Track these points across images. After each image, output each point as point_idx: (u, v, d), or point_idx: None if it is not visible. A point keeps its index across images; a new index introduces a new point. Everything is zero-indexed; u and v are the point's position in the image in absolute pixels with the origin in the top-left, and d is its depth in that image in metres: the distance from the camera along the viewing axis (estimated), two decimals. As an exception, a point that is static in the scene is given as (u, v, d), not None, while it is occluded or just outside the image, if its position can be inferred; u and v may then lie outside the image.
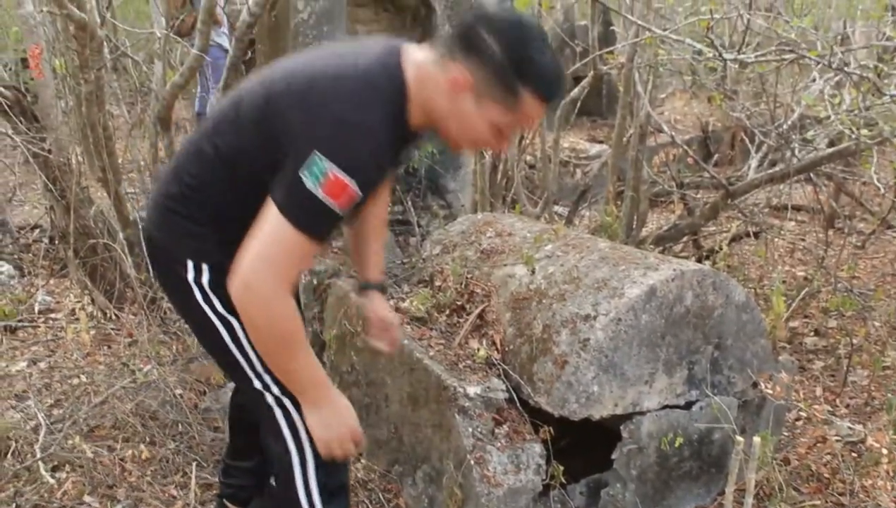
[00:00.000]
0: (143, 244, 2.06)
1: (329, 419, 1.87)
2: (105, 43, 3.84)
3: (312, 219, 1.69)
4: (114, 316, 4.08)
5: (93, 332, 3.92)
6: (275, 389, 1.94)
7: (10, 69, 6.52)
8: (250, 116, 1.80)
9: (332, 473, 2.03)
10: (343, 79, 1.72)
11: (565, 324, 2.47)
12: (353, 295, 2.85)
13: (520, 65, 1.68)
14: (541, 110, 1.74)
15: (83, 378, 3.50)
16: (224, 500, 2.54)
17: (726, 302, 2.63)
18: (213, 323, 1.94)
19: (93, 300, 4.26)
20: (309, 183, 1.63)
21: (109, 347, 3.90)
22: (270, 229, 1.70)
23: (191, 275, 1.92)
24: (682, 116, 8.35)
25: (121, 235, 4.03)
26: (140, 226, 4.14)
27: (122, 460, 2.93)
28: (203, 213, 1.92)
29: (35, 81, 4.01)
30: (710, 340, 2.63)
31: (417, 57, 1.76)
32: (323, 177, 1.63)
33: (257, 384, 1.96)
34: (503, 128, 1.76)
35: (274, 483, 2.07)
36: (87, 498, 2.75)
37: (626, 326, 2.43)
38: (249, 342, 1.90)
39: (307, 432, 1.94)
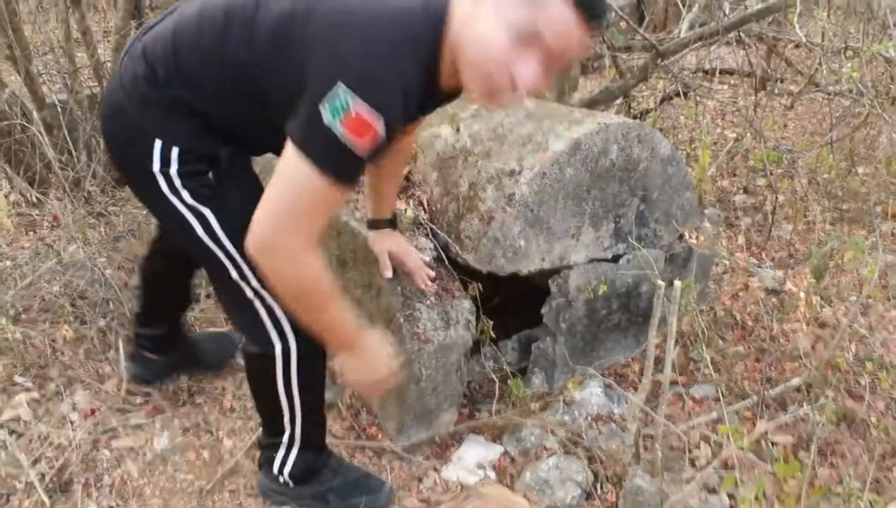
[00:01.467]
0: (102, 124, 1.91)
1: (365, 365, 1.85)
2: None
3: (333, 160, 1.53)
4: (36, 201, 3.98)
5: (16, 218, 3.83)
6: (253, 281, 1.86)
7: None
8: (270, 27, 1.63)
9: (313, 366, 2.03)
10: (383, 15, 1.55)
11: (491, 181, 2.47)
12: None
13: None
14: (573, 20, 1.48)
15: (7, 263, 3.43)
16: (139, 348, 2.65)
17: (652, 155, 2.64)
18: (183, 216, 1.84)
19: (12, 185, 4.14)
20: (327, 116, 1.48)
21: (35, 232, 3.81)
22: (289, 178, 1.56)
23: (156, 165, 1.79)
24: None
25: (36, 116, 3.89)
26: (59, 107, 4.01)
27: (52, 340, 2.90)
28: (191, 102, 1.76)
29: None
30: (636, 193, 2.66)
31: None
32: (344, 112, 1.47)
33: (234, 274, 1.87)
34: (529, 37, 1.49)
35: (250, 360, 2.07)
36: (18, 379, 2.73)
37: (551, 180, 2.43)
38: (225, 231, 1.83)
39: (290, 322, 1.90)
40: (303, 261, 1.61)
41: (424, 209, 2.60)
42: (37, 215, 3.96)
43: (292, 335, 1.93)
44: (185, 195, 1.82)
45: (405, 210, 2.57)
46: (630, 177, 2.62)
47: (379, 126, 1.49)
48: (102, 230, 3.63)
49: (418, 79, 1.54)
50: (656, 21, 6.92)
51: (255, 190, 1.74)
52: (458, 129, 2.66)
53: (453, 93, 1.77)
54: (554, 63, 1.54)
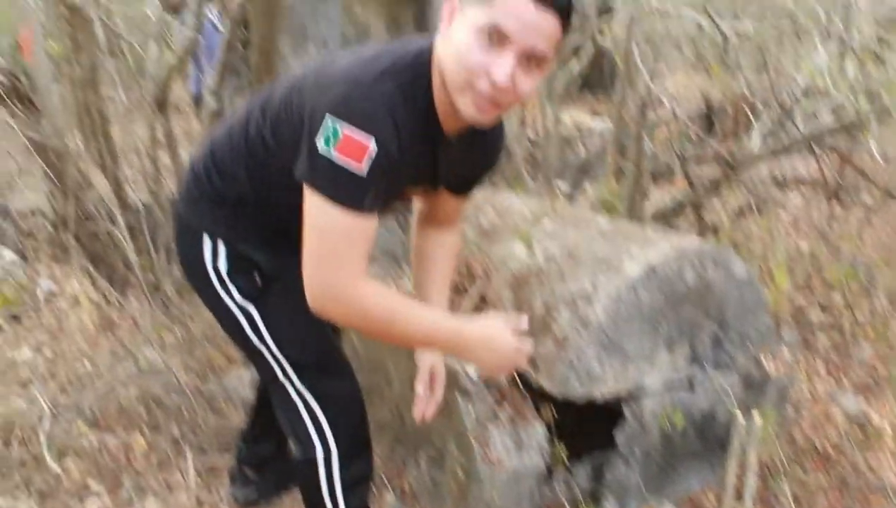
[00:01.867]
0: (172, 222, 2.09)
1: (484, 356, 1.80)
2: (99, 26, 3.83)
3: (338, 188, 1.56)
4: (117, 302, 4.10)
5: (96, 318, 3.94)
6: (297, 383, 1.93)
7: (6, 52, 6.50)
8: (280, 96, 1.75)
9: (355, 467, 2.03)
10: (368, 56, 1.64)
11: (565, 303, 2.47)
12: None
13: None
14: (526, 7, 1.46)
15: (87, 364, 3.52)
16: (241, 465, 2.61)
17: (727, 277, 2.62)
18: (232, 312, 1.94)
19: (95, 285, 4.27)
20: (322, 147, 1.53)
21: (113, 333, 3.91)
22: (313, 224, 1.61)
23: (209, 262, 1.91)
24: (684, 89, 8.30)
25: (121, 220, 4.03)
26: (143, 210, 4.16)
27: (126, 446, 2.95)
28: (228, 194, 1.90)
29: (30, 66, 4.00)
30: (712, 316, 2.63)
31: None
32: (335, 139, 1.52)
33: (280, 374, 1.95)
34: (485, 33, 1.48)
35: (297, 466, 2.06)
36: (91, 484, 2.78)
37: (627, 304, 2.42)
38: (269, 330, 1.91)
39: (331, 426, 1.94)
40: (359, 296, 1.64)
41: (498, 329, 2.60)
42: (116, 316, 4.07)
43: (332, 439, 1.96)
44: (234, 292, 1.92)
45: (479, 329, 2.57)
46: (705, 301, 2.59)
47: (370, 144, 1.52)
48: (178, 334, 3.71)
49: (404, 106, 1.58)
50: (725, 129, 6.93)
51: (297, 293, 1.72)
52: (531, 248, 2.67)
53: (463, 139, 1.78)
54: (529, 58, 1.52)
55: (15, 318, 4.21)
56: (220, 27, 6.44)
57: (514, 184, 4.32)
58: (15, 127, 4.10)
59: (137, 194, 4.40)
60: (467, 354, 1.80)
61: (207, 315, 3.81)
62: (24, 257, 5.17)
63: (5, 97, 4.13)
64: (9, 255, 5.13)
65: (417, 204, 2.20)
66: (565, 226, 2.77)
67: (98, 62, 3.83)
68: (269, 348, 1.92)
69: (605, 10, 6.29)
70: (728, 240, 4.11)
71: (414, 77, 1.62)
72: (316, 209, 1.59)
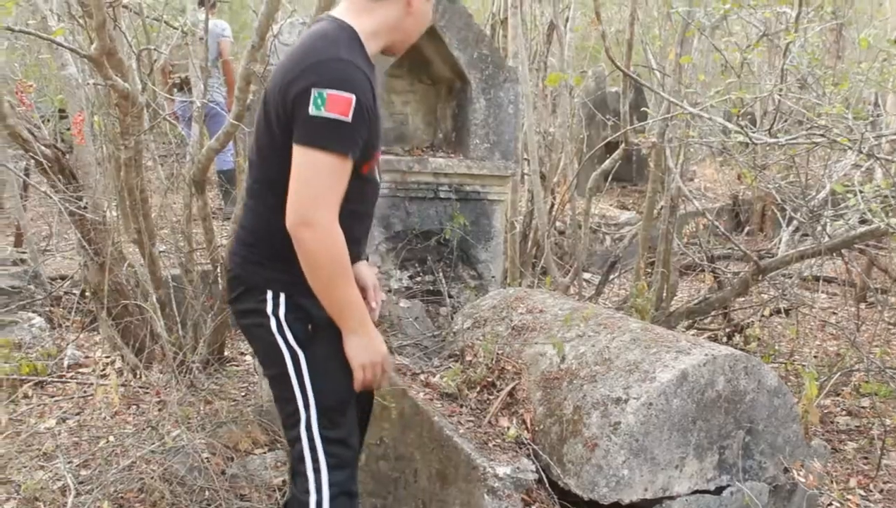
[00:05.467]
0: (227, 282, 2.34)
1: (366, 344, 2.12)
2: (145, 110, 3.96)
3: (332, 139, 1.95)
4: (142, 375, 4.14)
5: (121, 390, 3.97)
6: (315, 435, 2.15)
7: (48, 121, 6.69)
8: (266, 131, 2.10)
9: None
10: (312, 47, 2.05)
11: (596, 406, 2.49)
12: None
13: None
14: None
15: (111, 439, 3.54)
16: None
17: (758, 386, 2.64)
18: (281, 352, 2.16)
19: (122, 358, 4.32)
20: (314, 111, 1.93)
21: (138, 406, 3.94)
22: (304, 169, 1.97)
23: (269, 306, 2.15)
24: (712, 184, 8.39)
25: (153, 296, 4.10)
26: (173, 287, 4.23)
27: (148, 527, 2.96)
28: (269, 253, 2.16)
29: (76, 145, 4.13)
30: (742, 425, 2.64)
31: (349, 13, 2.14)
32: (323, 101, 1.93)
33: (302, 421, 2.16)
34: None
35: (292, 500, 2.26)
36: (112, 565, 2.78)
37: (658, 410, 2.44)
38: (310, 377, 2.15)
39: (330, 489, 2.16)
40: (330, 233, 1.99)
41: (527, 428, 2.62)
42: (141, 388, 4.11)
43: (328, 498, 2.16)
44: (289, 335, 2.15)
45: (508, 427, 2.60)
46: (736, 409, 2.61)
47: (353, 98, 1.94)
48: (203, 412, 3.73)
49: (358, 57, 2.03)
50: (752, 225, 6.99)
51: (338, 342, 2.13)
52: (562, 355, 2.70)
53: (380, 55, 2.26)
54: None
55: (40, 386, 4.25)
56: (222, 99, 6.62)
57: (543, 276, 4.38)
58: (55, 198, 4.20)
59: (169, 270, 4.48)
60: (353, 335, 2.11)
61: (234, 394, 3.88)
62: (51, 323, 5.24)
63: (48, 169, 4.25)
64: (37, 321, 5.20)
65: None
66: (598, 328, 2.80)
67: (143, 144, 3.94)
68: (305, 393, 2.16)
69: (638, 109, 6.44)
70: (755, 341, 4.12)
71: (355, 48, 2.07)
72: (306, 159, 1.96)
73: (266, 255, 2.18)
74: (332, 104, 1.93)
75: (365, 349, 2.13)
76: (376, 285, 2.50)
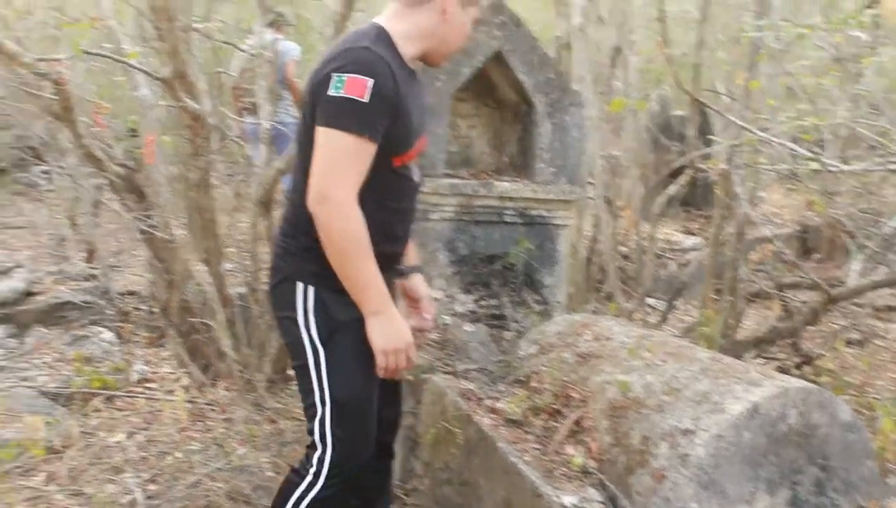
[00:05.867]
0: (269, 272, 2.41)
1: (387, 328, 2.16)
2: (214, 131, 4.04)
3: (349, 118, 2.04)
4: (209, 393, 4.20)
5: (188, 407, 4.04)
6: (328, 429, 2.24)
7: (120, 141, 6.85)
8: (303, 124, 2.21)
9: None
10: (343, 41, 2.20)
11: (664, 437, 2.46)
12: (449, 394, 2.90)
13: None
14: None
15: (178, 455, 3.60)
16: None
17: (831, 421, 2.58)
18: (304, 346, 2.25)
19: (189, 374, 4.40)
20: (333, 93, 2.03)
21: (204, 423, 4.00)
22: (323, 148, 2.06)
23: (299, 299, 2.23)
24: (778, 209, 8.24)
25: (220, 314, 4.16)
26: (239, 305, 4.29)
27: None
28: (303, 243, 2.24)
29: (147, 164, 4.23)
30: (815, 460, 2.58)
31: (386, 18, 2.25)
32: (342, 83, 2.03)
33: (318, 414, 2.26)
34: (474, 23, 2.37)
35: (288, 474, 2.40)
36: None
37: (728, 443, 2.40)
38: (328, 374, 2.23)
39: (327, 476, 2.25)
40: (348, 211, 2.06)
41: (593, 457, 2.60)
42: (207, 405, 4.17)
43: (322, 480, 2.26)
44: (313, 330, 2.23)
45: (574, 456, 2.58)
46: (808, 443, 2.55)
47: (369, 81, 2.03)
48: (267, 429, 3.78)
49: (383, 50, 2.12)
50: (821, 252, 6.85)
51: (364, 357, 2.20)
52: (629, 382, 2.68)
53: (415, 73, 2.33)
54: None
55: (110, 400, 4.35)
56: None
57: (608, 301, 4.35)
58: (126, 216, 4.31)
59: (235, 289, 4.55)
60: (374, 318, 2.15)
61: (297, 413, 3.91)
62: (120, 338, 5.35)
63: (120, 187, 4.36)
64: (107, 335, 5.32)
65: None
66: (665, 357, 2.77)
67: (212, 165, 4.03)
68: (322, 387, 2.24)
69: (705, 134, 6.37)
70: (825, 372, 4.03)
71: (382, 43, 2.16)
72: (326, 138, 2.05)
73: (300, 245, 2.25)
74: (350, 86, 2.02)
75: (386, 334, 2.16)
76: (429, 296, 2.58)
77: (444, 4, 2.22)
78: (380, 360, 2.18)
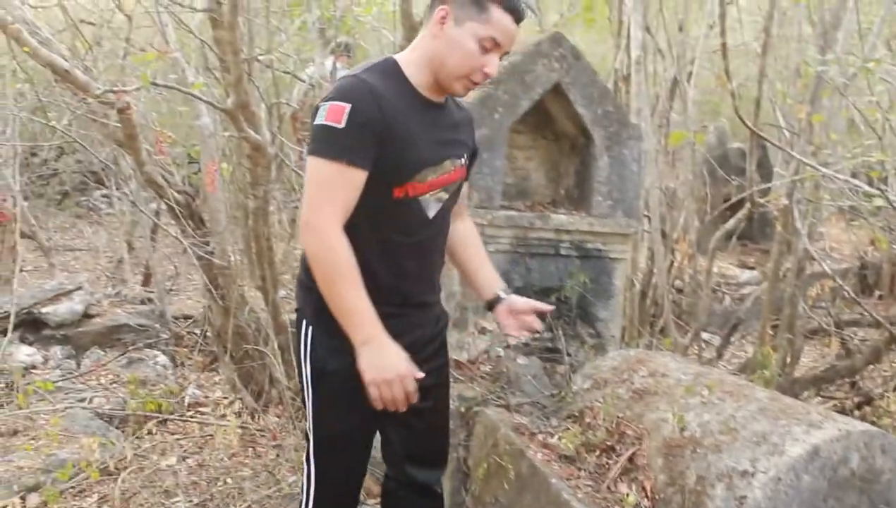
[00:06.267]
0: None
1: (376, 359, 2.07)
2: (274, 160, 4.10)
3: (327, 144, 2.03)
4: (260, 419, 4.24)
5: (239, 432, 4.08)
6: (310, 449, 2.30)
7: (180, 167, 6.99)
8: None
9: None
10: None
11: (721, 478, 2.41)
12: (501, 427, 2.89)
13: None
14: (510, 24, 2.10)
15: (229, 481, 3.64)
16: None
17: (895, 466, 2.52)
18: (302, 377, 2.28)
19: (241, 400, 4.44)
20: (316, 122, 2.05)
21: (254, 449, 4.04)
22: (307, 177, 2.06)
23: (302, 331, 2.25)
24: (838, 244, 8.10)
25: (273, 342, 4.21)
26: (290, 326, 4.33)
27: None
28: (305, 282, 2.24)
29: (208, 192, 4.31)
30: (877, 506, 2.51)
31: (410, 46, 2.24)
32: (324, 111, 2.03)
33: (306, 447, 2.32)
34: (485, 42, 2.09)
35: None
36: None
37: (787, 486, 2.35)
38: (313, 417, 2.26)
39: (315, 502, 2.31)
40: (330, 238, 2.02)
41: (647, 496, 2.56)
42: (257, 431, 4.20)
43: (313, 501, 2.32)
44: (306, 368, 2.26)
45: (627, 494, 2.55)
46: (871, 489, 2.49)
47: (347, 106, 2.01)
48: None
49: (382, 82, 2.10)
50: (882, 288, 6.71)
51: (347, 406, 2.21)
52: (685, 420, 2.64)
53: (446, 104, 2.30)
54: (503, 55, 2.17)
55: (163, 423, 4.40)
56: None
57: (662, 335, 4.30)
58: (185, 242, 4.38)
59: (289, 316, 4.60)
60: (363, 348, 2.07)
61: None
62: (174, 361, 5.43)
63: (179, 214, 4.44)
64: (161, 359, 5.41)
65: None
66: (723, 396, 2.73)
67: (271, 194, 4.09)
68: (309, 422, 2.28)
69: (762, 168, 6.30)
70: (887, 415, 3.93)
71: (384, 69, 2.16)
72: (309, 167, 2.05)
73: (305, 282, 2.25)
74: (329, 113, 2.02)
75: (375, 365, 2.07)
76: (528, 301, 2.47)
77: (436, 22, 2.14)
78: (371, 392, 2.09)
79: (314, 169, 2.05)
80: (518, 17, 2.11)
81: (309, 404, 2.27)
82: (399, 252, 2.22)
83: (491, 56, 2.12)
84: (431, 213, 2.25)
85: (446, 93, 2.23)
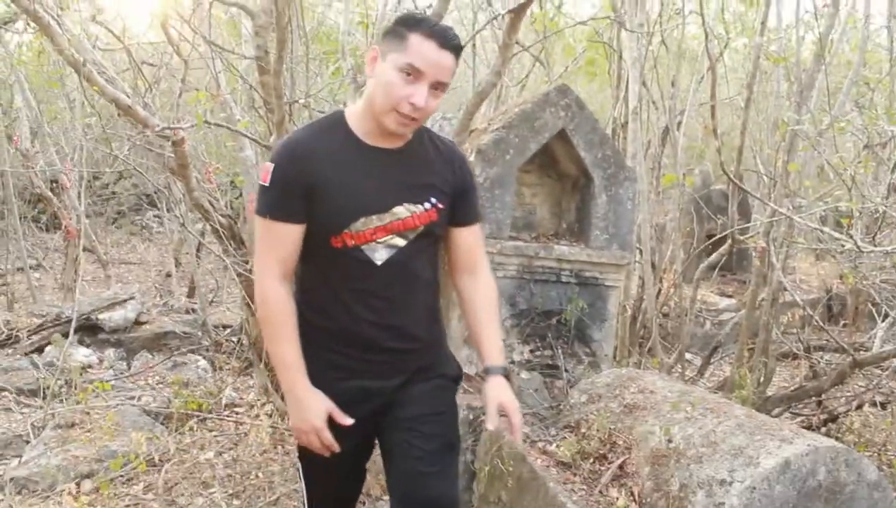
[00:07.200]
0: None
1: (293, 409, 2.00)
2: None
3: (259, 202, 1.95)
4: (289, 420, 4.23)
5: (270, 432, 4.08)
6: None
7: (225, 193, 7.05)
8: None
9: None
10: None
11: (701, 486, 2.42)
12: (505, 435, 2.89)
13: (406, 20, 1.91)
14: (432, 51, 1.86)
15: (260, 475, 3.63)
16: None
17: (858, 479, 2.51)
18: None
19: (273, 403, 4.44)
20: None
21: (283, 447, 4.03)
22: (256, 233, 2.00)
23: None
24: (806, 276, 8.09)
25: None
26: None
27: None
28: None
29: (250, 215, 4.34)
30: (841, 515, 2.50)
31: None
32: (261, 171, 1.97)
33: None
34: (404, 70, 1.85)
35: None
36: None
37: (761, 494, 2.35)
38: (304, 479, 2.18)
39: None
40: (266, 285, 1.95)
41: (635, 500, 2.56)
42: (286, 430, 4.20)
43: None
44: None
45: (617, 498, 2.55)
46: (836, 499, 2.48)
47: (270, 167, 1.93)
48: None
49: (318, 137, 1.98)
50: (846, 317, 6.68)
51: (336, 479, 2.23)
52: (670, 433, 2.65)
53: (404, 150, 2.04)
54: (436, 86, 1.90)
55: (203, 421, 4.41)
56: None
57: (650, 355, 4.30)
58: (227, 261, 4.41)
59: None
60: (287, 396, 1.99)
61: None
62: (213, 366, 5.45)
63: (223, 235, 4.47)
64: (202, 363, 5.43)
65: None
66: (705, 412, 2.73)
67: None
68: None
69: (744, 208, 6.32)
70: (849, 432, 3.91)
71: (327, 121, 2.04)
72: (255, 224, 1.99)
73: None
74: (262, 172, 1.96)
75: (292, 414, 2.00)
76: (509, 401, 2.05)
77: (369, 63, 1.95)
78: (296, 436, 2.01)
79: (256, 224, 1.99)
80: (442, 42, 1.87)
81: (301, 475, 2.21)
82: (351, 297, 2.00)
83: (417, 86, 1.86)
84: (380, 261, 1.99)
85: (390, 134, 1.97)
